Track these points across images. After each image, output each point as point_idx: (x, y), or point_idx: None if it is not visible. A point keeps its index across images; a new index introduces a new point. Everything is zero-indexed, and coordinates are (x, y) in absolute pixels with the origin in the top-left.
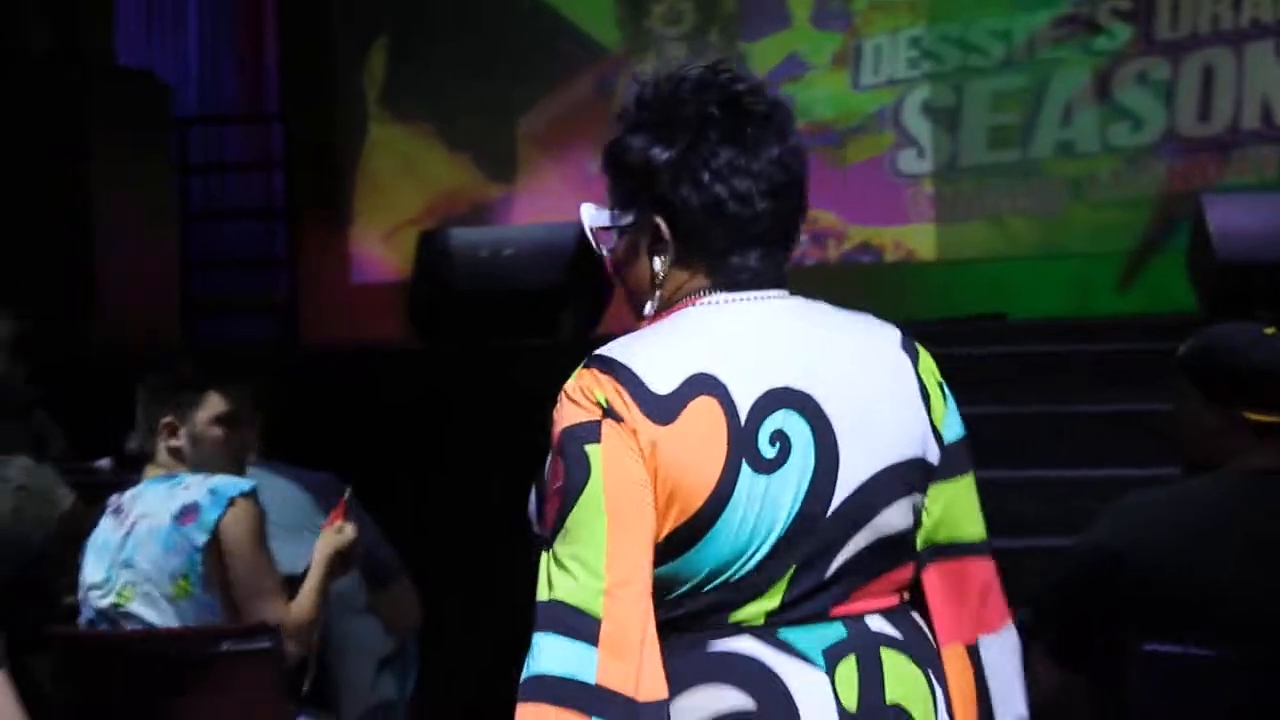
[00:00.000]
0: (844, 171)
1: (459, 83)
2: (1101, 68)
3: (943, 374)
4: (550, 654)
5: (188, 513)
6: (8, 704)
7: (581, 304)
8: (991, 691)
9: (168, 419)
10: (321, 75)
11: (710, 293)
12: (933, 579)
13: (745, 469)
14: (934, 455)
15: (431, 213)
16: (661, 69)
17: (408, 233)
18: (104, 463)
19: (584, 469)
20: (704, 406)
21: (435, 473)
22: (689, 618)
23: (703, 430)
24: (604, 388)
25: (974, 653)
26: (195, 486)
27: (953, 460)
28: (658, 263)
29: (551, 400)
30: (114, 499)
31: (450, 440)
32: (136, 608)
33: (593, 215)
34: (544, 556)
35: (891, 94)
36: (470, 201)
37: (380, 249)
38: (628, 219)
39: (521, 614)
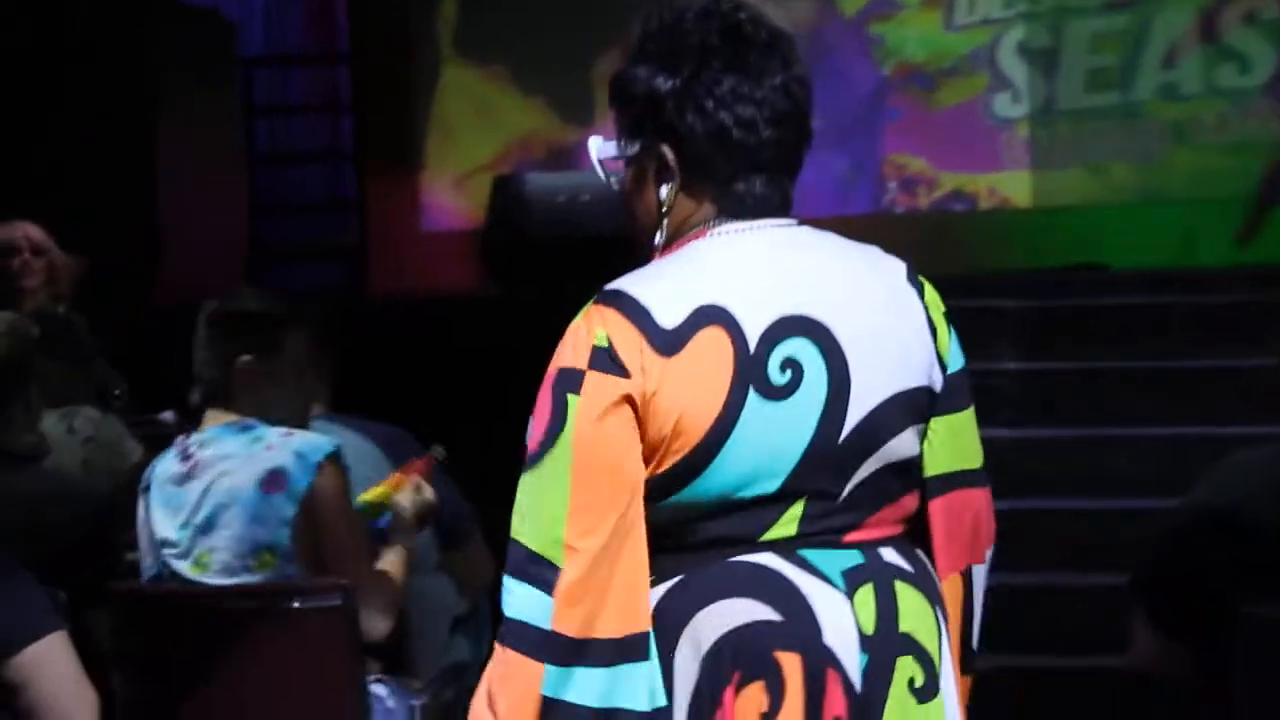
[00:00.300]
0: (935, 115)
1: (533, 23)
2: (1207, 7)
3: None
4: (516, 597)
5: (274, 479)
6: (68, 664)
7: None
8: (975, 619)
9: (246, 358)
10: (393, 14)
11: (718, 222)
12: (939, 509)
13: (753, 396)
14: (938, 385)
15: (505, 158)
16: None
17: (481, 179)
18: (167, 415)
19: (562, 416)
20: (710, 337)
21: (507, 424)
22: (707, 544)
23: (708, 361)
24: (608, 323)
25: (966, 579)
26: (278, 447)
27: (956, 391)
28: (664, 191)
29: None
30: (180, 442)
31: (523, 391)
32: (214, 578)
33: (600, 146)
34: (520, 484)
35: (986, 34)
36: (546, 146)
37: (452, 195)
38: (634, 148)
39: None
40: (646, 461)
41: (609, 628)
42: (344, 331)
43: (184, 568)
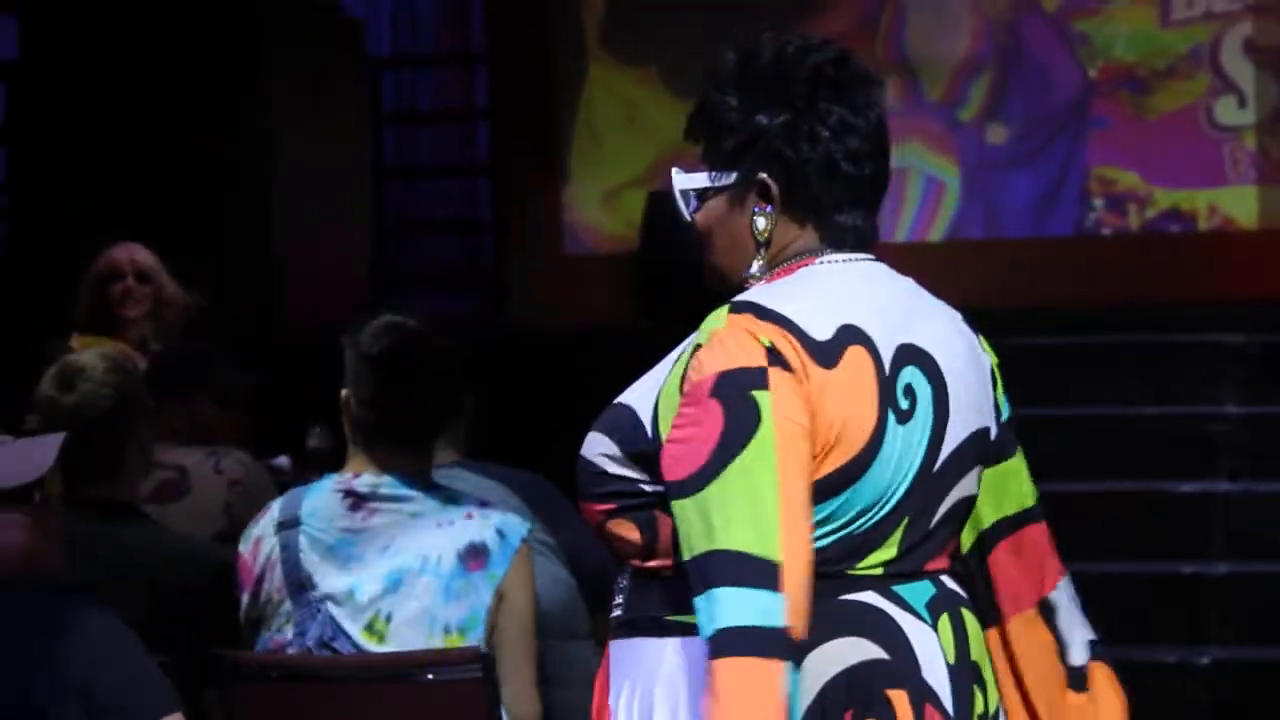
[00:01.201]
0: (1149, 124)
1: (689, 17)
2: None
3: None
4: (736, 605)
5: (476, 555)
6: None
7: None
8: (1063, 636)
9: (436, 398)
10: (533, 10)
11: (823, 252)
12: (1006, 549)
13: (891, 418)
14: (994, 431)
15: (658, 171)
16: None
17: (631, 194)
18: (282, 461)
19: (752, 415)
20: (857, 355)
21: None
22: (823, 561)
23: (858, 377)
24: (766, 331)
25: (1046, 608)
26: (478, 518)
27: (1011, 437)
28: (762, 221)
29: None
30: (344, 481)
31: None
32: (384, 647)
33: (686, 178)
34: (688, 503)
35: (1207, 31)
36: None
37: (599, 212)
38: (729, 179)
39: None
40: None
41: (806, 630)
42: (484, 365)
43: (354, 630)
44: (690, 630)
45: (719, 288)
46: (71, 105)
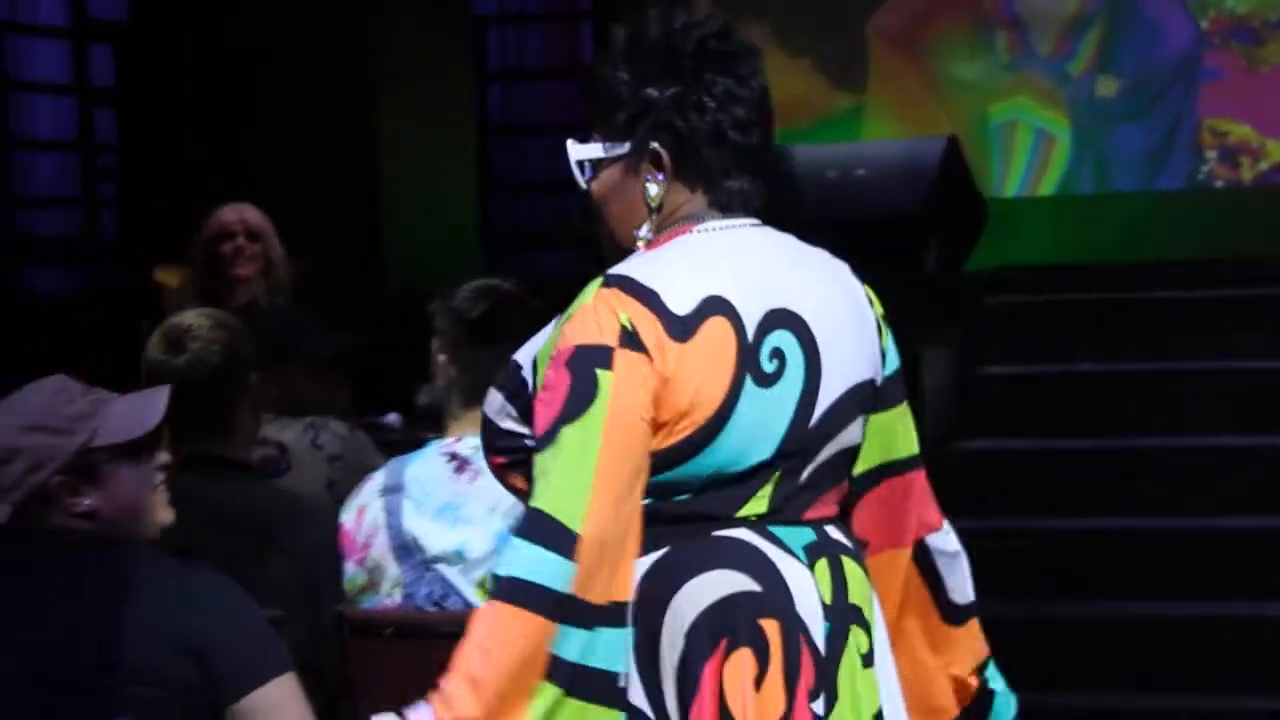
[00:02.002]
0: (1262, 75)
1: None
2: None
3: None
4: (524, 559)
5: None
6: (299, 707)
7: (947, 231)
8: (945, 579)
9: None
10: None
11: (705, 219)
12: (880, 494)
13: (749, 383)
14: (879, 381)
15: None
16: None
17: None
18: (392, 419)
19: (591, 390)
20: (717, 325)
21: None
22: (691, 516)
23: (715, 348)
24: (628, 308)
25: (922, 550)
26: None
27: (897, 387)
28: (653, 188)
29: (918, 343)
30: (445, 445)
31: None
32: None
33: (582, 149)
34: (535, 459)
35: None
36: (813, 114)
37: None
38: (622, 148)
39: None
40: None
41: (609, 593)
42: None
43: (467, 588)
44: None
45: (613, 254)
46: (178, 66)
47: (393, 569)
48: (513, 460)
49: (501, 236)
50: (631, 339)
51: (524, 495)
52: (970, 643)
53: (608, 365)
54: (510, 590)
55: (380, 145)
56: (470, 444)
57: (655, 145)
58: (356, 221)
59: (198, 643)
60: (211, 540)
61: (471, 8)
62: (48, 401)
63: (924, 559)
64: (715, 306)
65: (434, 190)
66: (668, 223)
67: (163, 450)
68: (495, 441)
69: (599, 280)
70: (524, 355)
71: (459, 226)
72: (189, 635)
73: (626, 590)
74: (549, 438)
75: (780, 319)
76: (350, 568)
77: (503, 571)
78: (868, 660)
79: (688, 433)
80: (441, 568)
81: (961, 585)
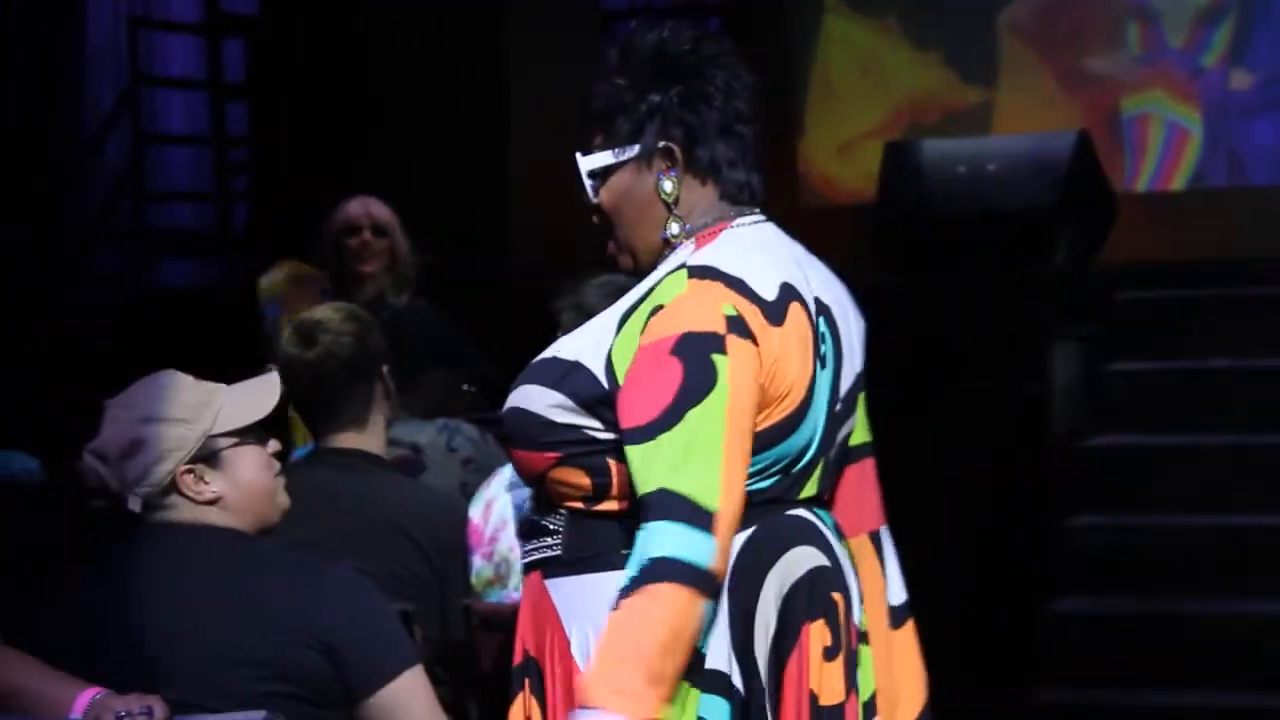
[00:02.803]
0: None
1: None
2: None
3: None
4: (675, 539)
5: None
6: (427, 700)
7: (1079, 226)
8: (888, 575)
9: None
10: None
11: (734, 215)
12: (850, 476)
13: (818, 367)
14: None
15: (895, 122)
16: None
17: (867, 146)
18: None
19: (709, 376)
20: (796, 311)
21: (908, 424)
22: (773, 498)
23: (801, 333)
24: (728, 297)
25: (876, 539)
26: None
27: (864, 375)
28: (668, 184)
29: (1048, 338)
30: None
31: (925, 387)
32: None
33: (591, 159)
34: (645, 447)
35: None
36: (942, 109)
37: (834, 165)
38: (632, 151)
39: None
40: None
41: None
42: None
43: None
44: None
45: (629, 266)
46: (309, 60)
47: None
48: (570, 455)
49: None
50: (739, 325)
51: (574, 490)
52: (910, 645)
53: (723, 350)
54: (667, 570)
55: (510, 136)
56: None
57: (666, 142)
58: (483, 214)
59: (329, 638)
60: (345, 533)
61: (602, 2)
62: (163, 393)
63: (879, 553)
64: (791, 293)
65: (561, 183)
66: (694, 218)
67: (273, 439)
68: (545, 438)
69: (683, 272)
70: (572, 350)
71: (586, 218)
72: (320, 630)
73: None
74: (664, 423)
75: (821, 307)
76: (477, 562)
77: (652, 555)
78: (864, 637)
79: (785, 414)
80: None
81: (898, 586)
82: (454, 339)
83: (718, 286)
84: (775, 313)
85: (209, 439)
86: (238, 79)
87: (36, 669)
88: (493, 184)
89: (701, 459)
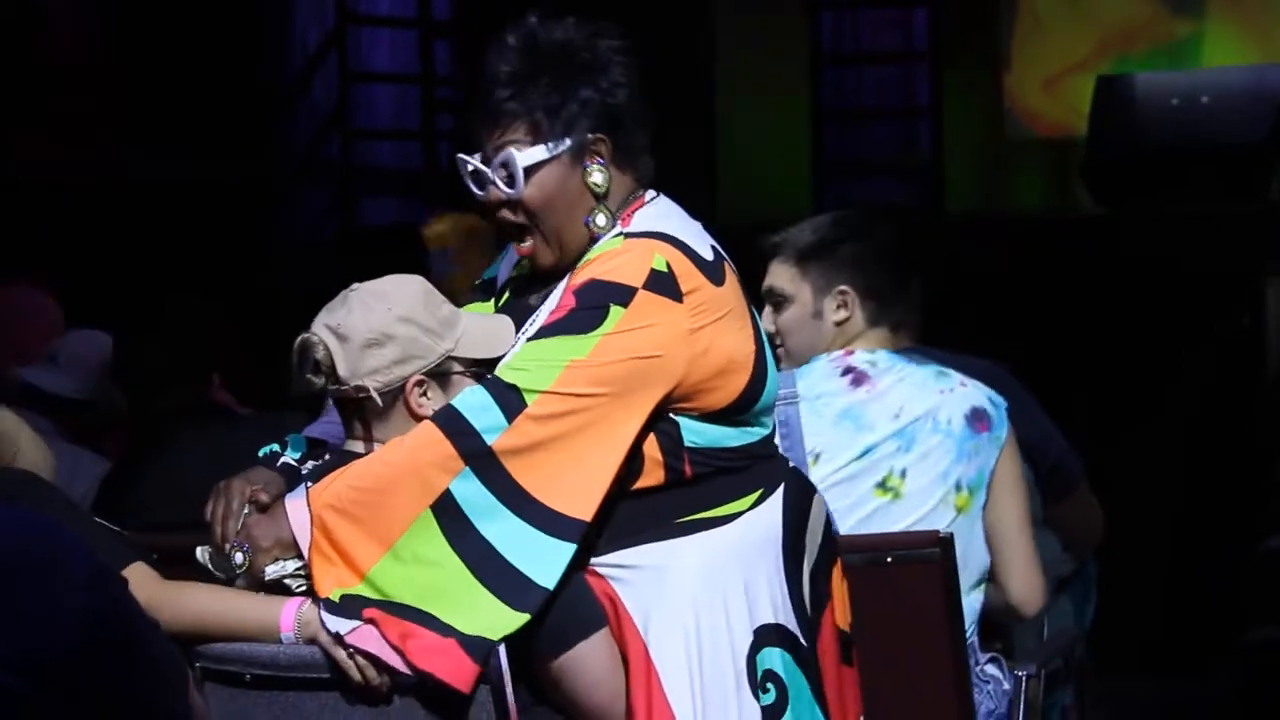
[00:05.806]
0: None
1: None
2: None
3: None
4: (477, 403)
5: (980, 418)
6: (611, 658)
7: None
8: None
9: (915, 283)
10: None
11: (639, 193)
12: None
13: (755, 318)
14: None
15: (1103, 55)
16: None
17: (1073, 80)
18: None
19: (594, 320)
20: (730, 271)
21: (1113, 361)
22: (771, 452)
23: (738, 291)
24: (664, 251)
25: None
26: (971, 386)
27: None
28: (599, 175)
29: (1258, 276)
30: (837, 359)
31: (1131, 323)
32: (901, 503)
33: (524, 155)
34: (531, 343)
35: None
36: (1151, 40)
37: (1040, 99)
38: (563, 145)
39: (1214, 539)
40: (708, 380)
41: (551, 497)
42: (920, 255)
43: (866, 489)
44: (701, 526)
45: (550, 262)
46: None
47: None
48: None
49: (832, 166)
50: (663, 282)
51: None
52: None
53: (624, 303)
54: (444, 417)
55: (716, 77)
56: (863, 358)
57: (597, 134)
58: (691, 154)
59: None
60: None
61: None
62: (425, 298)
63: None
64: (720, 255)
65: (769, 122)
66: (614, 205)
67: None
68: None
69: (619, 238)
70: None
71: (792, 152)
72: None
73: (576, 509)
74: (549, 331)
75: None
76: None
77: (452, 404)
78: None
79: (754, 365)
80: (834, 480)
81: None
82: None
83: (654, 243)
84: (715, 272)
85: (448, 359)
86: (444, 17)
87: (232, 595)
88: (699, 122)
89: (540, 369)
